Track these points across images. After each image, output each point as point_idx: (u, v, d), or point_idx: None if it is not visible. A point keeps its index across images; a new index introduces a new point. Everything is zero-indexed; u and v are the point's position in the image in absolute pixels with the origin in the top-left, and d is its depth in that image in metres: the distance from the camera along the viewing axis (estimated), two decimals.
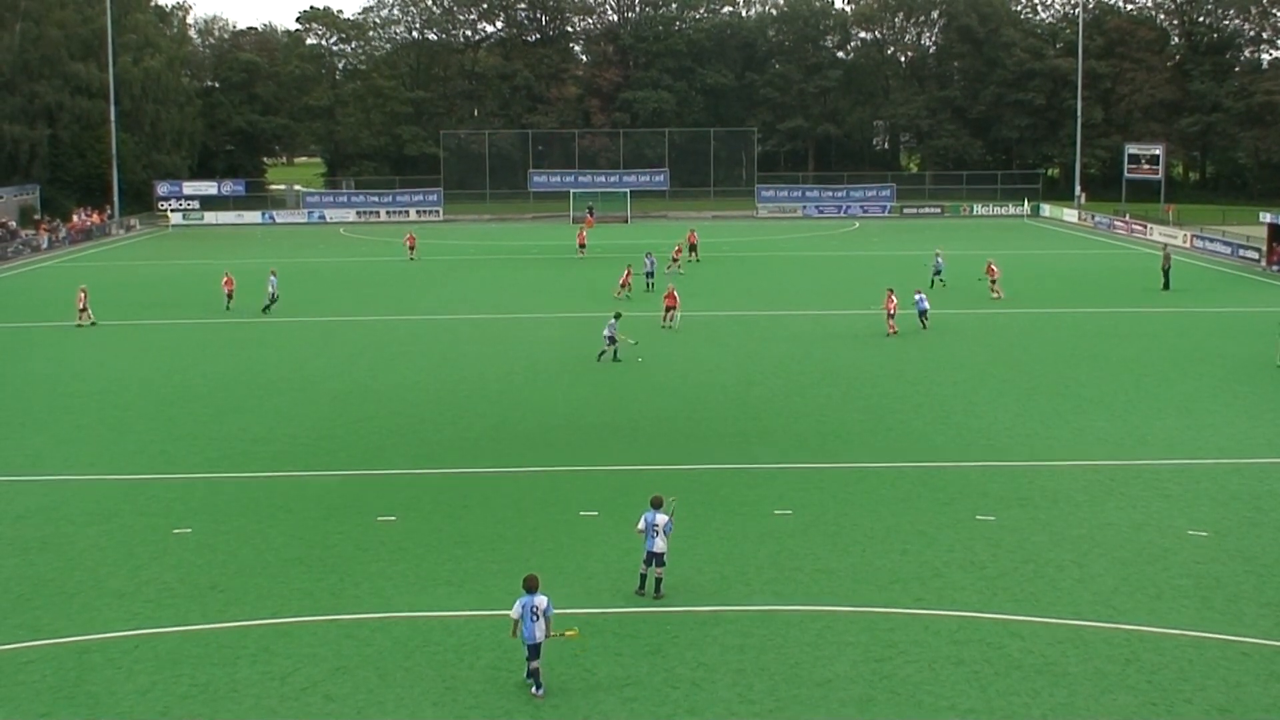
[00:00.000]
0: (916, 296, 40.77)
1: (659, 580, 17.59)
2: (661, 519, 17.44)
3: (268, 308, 45.44)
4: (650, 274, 50.70)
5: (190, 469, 24.54)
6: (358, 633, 16.44)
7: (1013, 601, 17.39)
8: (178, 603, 17.56)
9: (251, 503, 22.22)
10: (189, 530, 20.66)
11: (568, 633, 15.20)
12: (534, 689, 14.61)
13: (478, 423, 28.27)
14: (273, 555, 19.48)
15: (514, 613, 14.76)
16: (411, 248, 63.78)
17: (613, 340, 35.23)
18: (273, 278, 46.70)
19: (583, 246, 64.89)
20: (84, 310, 43.28)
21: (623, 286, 47.61)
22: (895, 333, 38.94)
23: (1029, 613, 16.96)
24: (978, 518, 21.02)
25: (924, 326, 39.87)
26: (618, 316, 36.63)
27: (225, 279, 47.28)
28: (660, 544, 17.42)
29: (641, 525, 17.57)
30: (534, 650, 14.63)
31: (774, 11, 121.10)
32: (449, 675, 15.18)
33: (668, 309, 40.99)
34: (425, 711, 14.30)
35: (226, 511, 21.71)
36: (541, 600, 14.68)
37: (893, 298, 39.76)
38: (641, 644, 16.03)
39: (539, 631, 14.60)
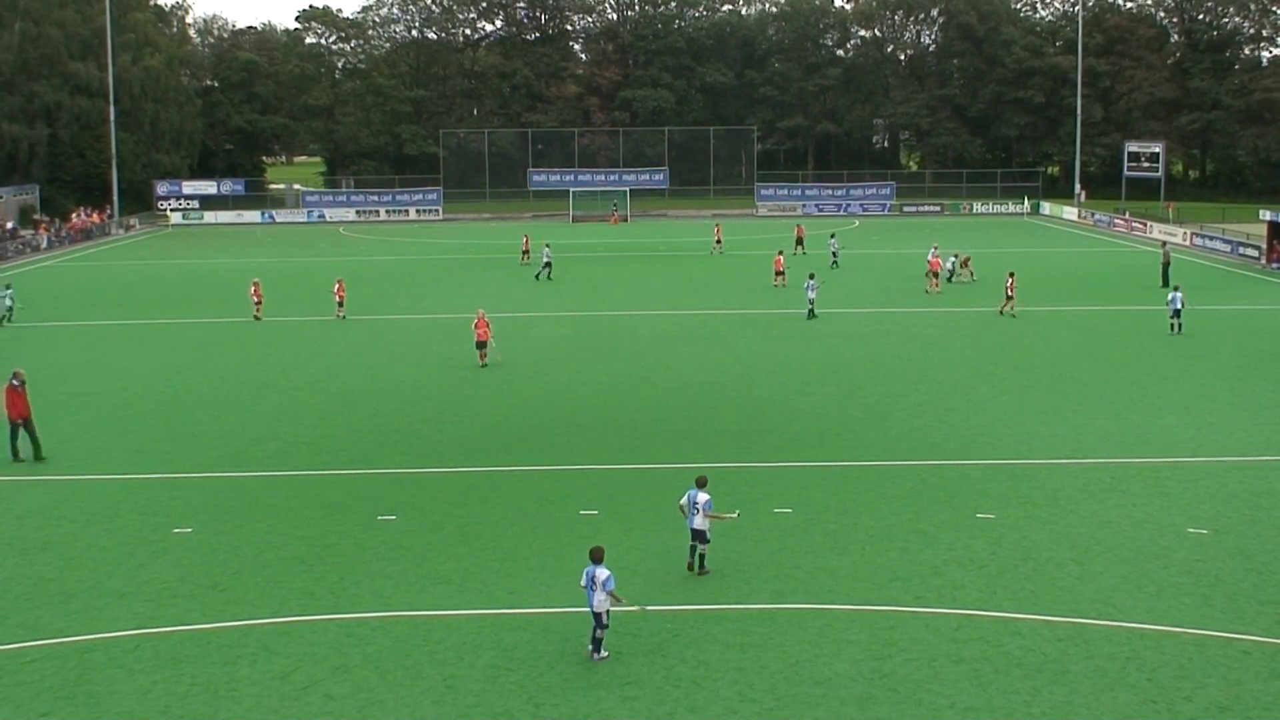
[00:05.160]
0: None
1: (702, 557, 18.20)
2: (703, 497, 18.02)
3: (538, 275, 53.40)
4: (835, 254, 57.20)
5: (190, 468, 24.54)
6: (358, 632, 16.45)
7: (1013, 599, 17.39)
8: (178, 602, 17.57)
9: (252, 502, 22.22)
10: (189, 530, 20.67)
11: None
12: (593, 653, 15.43)
13: (478, 421, 28.26)
14: (273, 554, 19.49)
15: (581, 581, 15.62)
16: (526, 251, 60.51)
17: (814, 302, 42.20)
18: (546, 248, 55.37)
19: (719, 242, 64.88)
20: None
21: None
22: (938, 290, 47.87)
23: (1029, 611, 16.97)
24: (978, 516, 21.02)
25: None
26: (813, 275, 43.41)
27: (338, 284, 44.33)
28: (700, 521, 18.01)
29: (684, 500, 18.18)
30: (596, 618, 15.36)
31: (773, 10, 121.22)
32: (449, 674, 15.19)
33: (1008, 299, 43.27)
34: (426, 710, 14.30)
35: (227, 511, 21.71)
36: (601, 572, 15.37)
37: (936, 256, 49.36)
38: (642, 642, 16.03)
39: (597, 601, 15.28)
